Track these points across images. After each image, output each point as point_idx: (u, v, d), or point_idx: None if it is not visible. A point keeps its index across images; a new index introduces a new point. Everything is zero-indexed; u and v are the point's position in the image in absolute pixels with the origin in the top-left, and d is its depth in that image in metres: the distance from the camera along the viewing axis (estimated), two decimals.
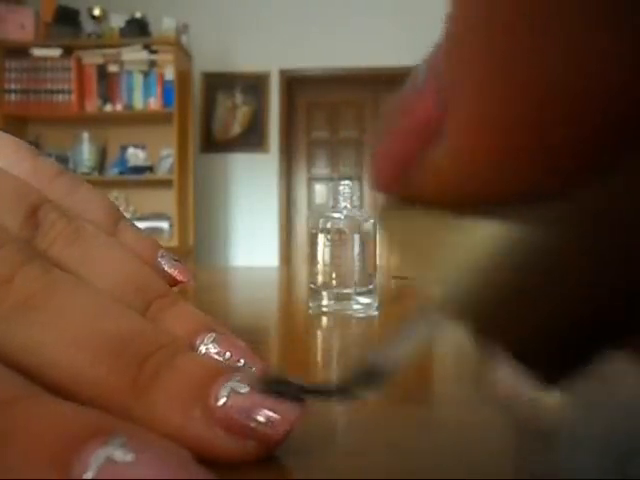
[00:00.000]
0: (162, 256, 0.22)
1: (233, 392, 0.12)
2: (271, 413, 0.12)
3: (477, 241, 0.08)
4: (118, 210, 0.22)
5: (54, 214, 0.18)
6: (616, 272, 0.07)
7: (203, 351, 0.17)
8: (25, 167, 0.20)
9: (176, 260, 0.23)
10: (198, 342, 0.17)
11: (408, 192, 0.08)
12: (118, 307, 0.15)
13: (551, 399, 0.18)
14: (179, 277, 0.22)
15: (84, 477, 0.08)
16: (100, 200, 0.22)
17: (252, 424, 0.12)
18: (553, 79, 0.06)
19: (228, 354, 0.17)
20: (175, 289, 0.22)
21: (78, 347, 0.13)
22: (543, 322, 0.08)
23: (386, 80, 3.26)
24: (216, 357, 0.17)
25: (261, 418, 0.12)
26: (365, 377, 0.11)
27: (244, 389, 0.12)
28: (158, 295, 0.18)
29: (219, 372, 0.13)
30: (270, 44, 3.42)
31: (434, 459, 0.13)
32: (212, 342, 0.17)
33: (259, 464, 0.12)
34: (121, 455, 0.08)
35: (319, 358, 0.25)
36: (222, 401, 0.12)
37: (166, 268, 0.22)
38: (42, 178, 0.20)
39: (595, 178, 0.07)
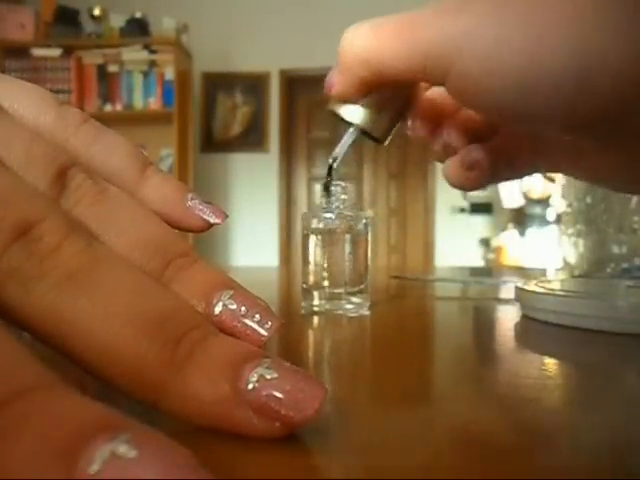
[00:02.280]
0: (192, 199, 0.22)
1: (262, 378, 0.13)
2: (298, 399, 0.13)
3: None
4: (145, 156, 0.22)
5: (81, 176, 0.18)
6: None
7: (220, 308, 0.17)
8: (51, 115, 0.20)
9: (207, 202, 0.22)
10: (215, 300, 0.17)
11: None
12: (156, 285, 0.15)
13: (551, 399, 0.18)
14: (212, 219, 0.22)
15: (89, 471, 0.08)
16: (126, 147, 0.22)
17: (280, 408, 0.13)
18: None
19: (244, 308, 0.17)
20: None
21: (123, 322, 0.14)
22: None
23: None
24: (233, 313, 0.17)
25: (289, 403, 0.13)
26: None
27: (273, 375, 0.13)
28: (177, 254, 0.18)
29: (249, 355, 0.14)
30: (270, 44, 3.42)
31: (434, 459, 0.13)
32: (229, 299, 0.17)
33: (258, 463, 0.12)
34: (125, 451, 0.08)
35: (310, 356, 0.25)
36: (252, 386, 0.13)
37: (197, 211, 0.22)
38: (68, 126, 0.20)
39: None
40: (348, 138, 0.30)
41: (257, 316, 0.17)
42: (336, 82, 0.26)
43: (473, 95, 0.21)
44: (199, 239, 3.27)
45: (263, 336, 0.17)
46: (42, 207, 0.15)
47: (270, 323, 0.17)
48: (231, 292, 0.18)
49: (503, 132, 0.28)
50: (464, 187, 0.29)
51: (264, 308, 0.18)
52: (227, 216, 0.23)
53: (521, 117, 0.21)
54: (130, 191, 0.20)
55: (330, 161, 0.31)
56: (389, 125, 0.28)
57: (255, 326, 0.17)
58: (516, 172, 0.29)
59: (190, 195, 0.22)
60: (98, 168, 0.20)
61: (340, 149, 0.30)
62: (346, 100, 0.27)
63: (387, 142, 0.29)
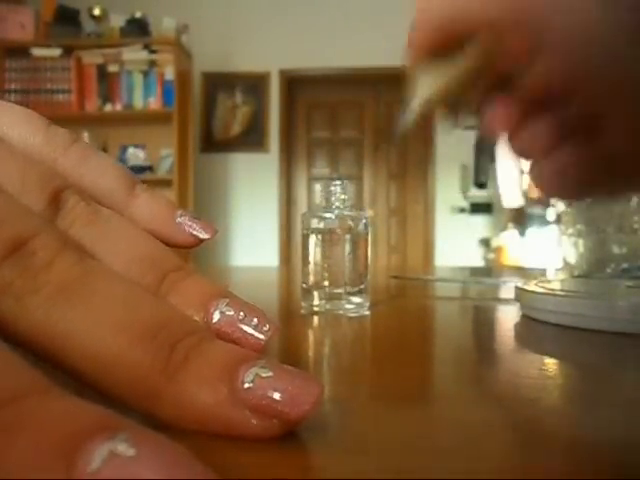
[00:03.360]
0: (181, 216, 0.22)
1: (258, 377, 0.13)
2: (294, 395, 0.13)
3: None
4: (133, 176, 0.23)
5: (74, 198, 0.19)
6: None
7: (218, 315, 0.18)
8: (39, 137, 0.21)
9: (196, 218, 0.23)
10: (213, 308, 0.18)
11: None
12: (148, 295, 0.16)
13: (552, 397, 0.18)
14: (202, 234, 0.22)
15: (88, 470, 0.08)
16: (114, 167, 0.22)
17: (276, 405, 0.13)
18: None
19: (242, 314, 0.18)
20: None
21: (117, 331, 0.14)
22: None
23: (386, 80, 3.26)
24: (231, 319, 0.18)
25: (285, 400, 0.13)
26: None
27: (268, 373, 0.13)
28: (172, 269, 0.19)
29: (244, 357, 0.14)
30: (270, 44, 3.42)
31: (434, 459, 0.13)
32: (226, 306, 0.18)
33: (258, 463, 0.12)
34: (124, 449, 0.08)
35: (310, 356, 0.25)
36: (248, 385, 0.13)
37: (187, 228, 0.22)
38: (56, 147, 0.21)
39: None
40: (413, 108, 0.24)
41: (255, 320, 0.18)
42: (413, 37, 0.23)
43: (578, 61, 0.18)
44: None
45: (261, 340, 0.18)
46: (35, 224, 0.15)
47: (268, 327, 0.18)
48: (227, 300, 0.18)
49: (613, 133, 0.22)
50: (554, 194, 0.24)
51: (261, 314, 0.18)
52: (217, 231, 0.23)
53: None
54: (120, 210, 0.21)
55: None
56: (453, 113, 0.25)
57: (253, 330, 0.18)
58: (624, 186, 0.24)
59: (179, 212, 0.22)
60: (87, 188, 0.20)
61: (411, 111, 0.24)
62: (421, 60, 0.23)
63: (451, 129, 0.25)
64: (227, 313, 0.18)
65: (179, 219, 0.22)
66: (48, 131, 0.21)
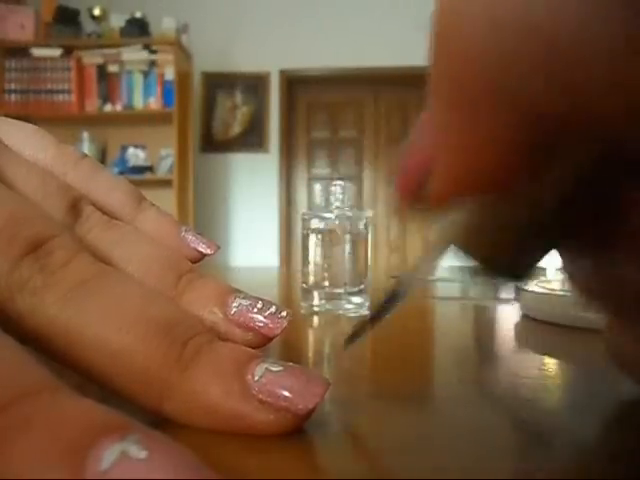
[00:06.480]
0: (186, 231, 0.23)
1: (268, 371, 0.14)
2: (303, 388, 0.14)
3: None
4: (139, 192, 0.24)
5: (90, 207, 0.20)
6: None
7: (237, 304, 0.19)
8: (51, 152, 0.22)
9: (199, 234, 0.24)
10: (231, 300, 0.19)
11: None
12: (161, 296, 0.16)
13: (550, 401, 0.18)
14: (205, 250, 0.23)
15: (98, 469, 0.08)
16: (122, 182, 0.23)
17: (285, 397, 0.13)
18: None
19: (260, 303, 0.19)
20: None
21: (130, 325, 0.14)
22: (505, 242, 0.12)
23: (386, 80, 3.26)
24: (249, 308, 0.18)
25: (294, 392, 0.13)
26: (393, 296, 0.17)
27: (278, 368, 0.14)
28: (188, 270, 0.20)
29: (254, 355, 0.15)
30: (270, 44, 3.42)
31: (434, 459, 0.13)
32: (243, 298, 0.19)
33: (259, 464, 0.12)
34: (135, 451, 0.09)
35: (310, 356, 0.25)
36: (258, 378, 0.14)
37: (191, 243, 0.23)
38: (67, 162, 0.22)
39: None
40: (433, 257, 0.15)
41: (273, 308, 0.19)
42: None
43: None
44: None
45: (283, 322, 0.18)
46: (54, 226, 0.16)
47: (285, 313, 0.19)
48: (243, 294, 0.19)
49: None
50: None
51: (275, 304, 0.19)
52: (219, 247, 0.24)
53: None
54: (127, 222, 0.22)
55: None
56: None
57: (273, 316, 0.18)
58: None
59: (184, 228, 0.24)
60: (96, 201, 0.22)
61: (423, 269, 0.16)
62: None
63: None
64: (244, 303, 0.19)
65: (183, 234, 0.23)
66: (58, 148, 0.22)
